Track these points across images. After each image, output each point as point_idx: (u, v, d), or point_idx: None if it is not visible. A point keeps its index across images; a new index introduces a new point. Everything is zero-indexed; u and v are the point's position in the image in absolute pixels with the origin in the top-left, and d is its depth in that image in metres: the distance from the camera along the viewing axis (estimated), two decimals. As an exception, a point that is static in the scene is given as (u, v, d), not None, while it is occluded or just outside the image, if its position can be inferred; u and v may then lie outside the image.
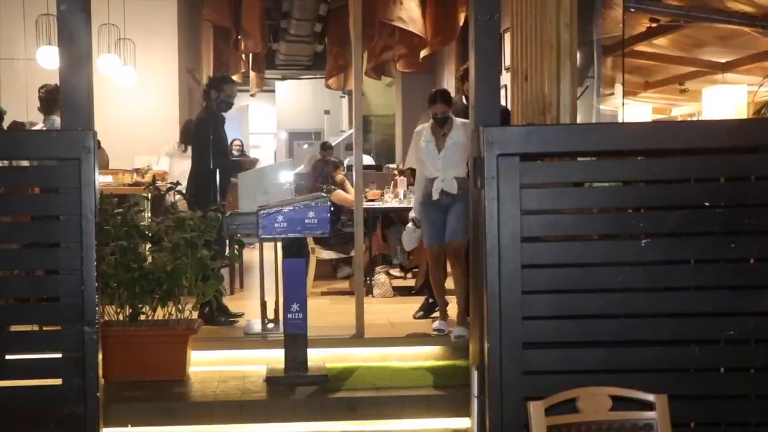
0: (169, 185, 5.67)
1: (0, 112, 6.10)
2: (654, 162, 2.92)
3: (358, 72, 5.86)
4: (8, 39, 9.44)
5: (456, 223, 5.48)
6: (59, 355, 2.80)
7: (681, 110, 9.88)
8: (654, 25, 7.13)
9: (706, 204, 2.81)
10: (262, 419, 4.41)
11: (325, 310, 6.56)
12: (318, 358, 5.02)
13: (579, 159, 3.10)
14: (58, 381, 2.79)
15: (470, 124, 3.13)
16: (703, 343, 2.83)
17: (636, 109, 9.28)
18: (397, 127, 14.34)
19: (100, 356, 2.76)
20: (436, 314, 5.97)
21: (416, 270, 7.61)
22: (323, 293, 7.51)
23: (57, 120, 5.83)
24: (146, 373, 4.72)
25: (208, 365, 5.08)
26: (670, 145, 2.87)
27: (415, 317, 6.28)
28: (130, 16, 9.24)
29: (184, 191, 5.93)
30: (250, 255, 7.86)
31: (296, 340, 4.75)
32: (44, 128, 6.22)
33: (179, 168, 7.80)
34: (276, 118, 20.59)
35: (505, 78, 5.75)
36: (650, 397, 2.56)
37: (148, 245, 5.15)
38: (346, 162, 10.27)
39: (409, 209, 7.70)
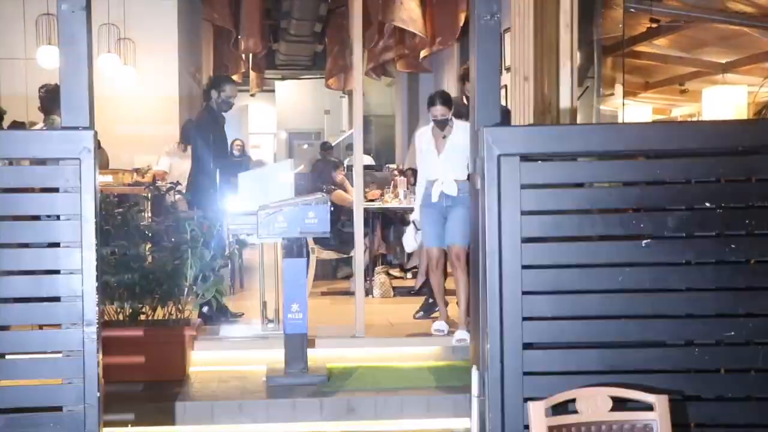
0: (169, 185, 5.67)
1: (0, 112, 6.09)
2: (654, 163, 2.91)
3: (358, 72, 5.87)
4: (8, 39, 9.44)
5: (456, 227, 5.46)
6: (60, 355, 2.80)
7: (681, 111, 9.89)
8: (654, 25, 7.13)
9: (707, 205, 2.81)
10: (262, 419, 4.41)
11: (325, 310, 6.56)
12: (318, 358, 5.02)
13: (579, 159, 3.10)
14: (58, 381, 2.79)
15: (470, 127, 3.13)
16: (703, 344, 2.83)
17: (636, 110, 9.29)
18: (397, 127, 14.34)
19: (101, 356, 2.76)
20: (436, 314, 5.97)
21: (416, 270, 7.61)
22: (323, 293, 7.51)
23: (57, 120, 5.82)
24: (146, 373, 4.72)
25: (208, 365, 5.08)
26: (671, 146, 2.87)
27: (415, 317, 6.28)
28: (131, 16, 9.25)
29: (184, 191, 5.93)
30: (251, 255, 7.85)
31: (296, 340, 4.75)
32: (44, 128, 6.21)
33: (179, 168, 7.80)
34: (276, 118, 20.59)
35: (506, 78, 5.75)
36: (650, 398, 2.56)
37: (149, 245, 5.15)
38: (346, 162, 10.27)
39: (409, 209, 7.71)
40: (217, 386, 4.70)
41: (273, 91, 20.13)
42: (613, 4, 6.22)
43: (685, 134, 2.93)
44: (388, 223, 8.30)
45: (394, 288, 7.43)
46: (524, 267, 2.76)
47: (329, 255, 7.58)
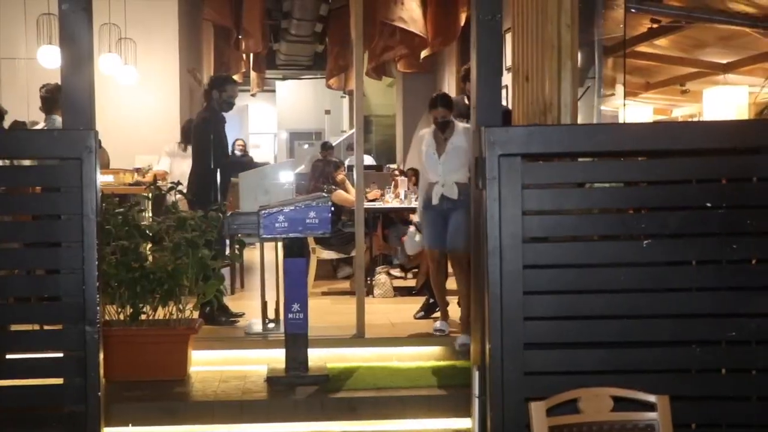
0: (170, 185, 5.67)
1: (1, 112, 6.10)
2: (655, 163, 2.91)
3: (359, 72, 5.87)
4: (9, 38, 9.45)
5: (457, 231, 5.45)
6: (60, 355, 2.80)
7: (682, 111, 9.88)
8: (655, 25, 7.13)
9: (708, 205, 2.81)
10: (262, 419, 4.41)
11: (326, 310, 6.56)
12: (319, 358, 5.03)
13: (580, 159, 3.10)
14: (60, 380, 2.79)
15: (472, 129, 3.13)
16: (705, 344, 2.82)
17: (637, 110, 9.29)
18: (398, 127, 14.35)
19: (102, 356, 2.76)
20: (437, 314, 5.97)
21: (417, 270, 7.61)
22: (324, 293, 7.51)
23: (58, 119, 5.83)
24: (147, 372, 4.72)
25: (208, 365, 5.08)
26: (672, 146, 2.87)
27: (415, 317, 6.28)
28: (131, 15, 9.24)
29: (185, 191, 5.93)
30: (251, 255, 7.86)
31: (297, 340, 4.75)
32: (45, 128, 6.21)
33: (180, 168, 7.80)
34: (276, 118, 20.61)
35: (507, 78, 5.75)
36: (652, 398, 2.55)
37: (149, 245, 5.15)
38: (346, 162, 10.28)
39: (409, 209, 7.72)
40: (218, 386, 4.70)
41: (273, 91, 20.15)
42: (615, 5, 6.21)
43: (686, 134, 2.93)
44: (389, 223, 8.30)
45: (394, 288, 7.44)
46: (525, 267, 2.76)
47: (330, 255, 7.58)
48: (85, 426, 2.73)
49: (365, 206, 6.19)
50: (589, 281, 2.82)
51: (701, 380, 2.85)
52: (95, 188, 2.75)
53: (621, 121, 6.32)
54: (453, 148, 5.52)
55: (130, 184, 7.76)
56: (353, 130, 6.25)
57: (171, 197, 6.22)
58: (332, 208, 4.97)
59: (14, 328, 3.26)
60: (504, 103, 5.68)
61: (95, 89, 2.86)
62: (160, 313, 4.99)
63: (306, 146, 19.19)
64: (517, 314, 2.75)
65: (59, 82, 2.86)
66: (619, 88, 6.37)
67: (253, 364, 5.10)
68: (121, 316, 4.87)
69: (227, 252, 6.00)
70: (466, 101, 5.88)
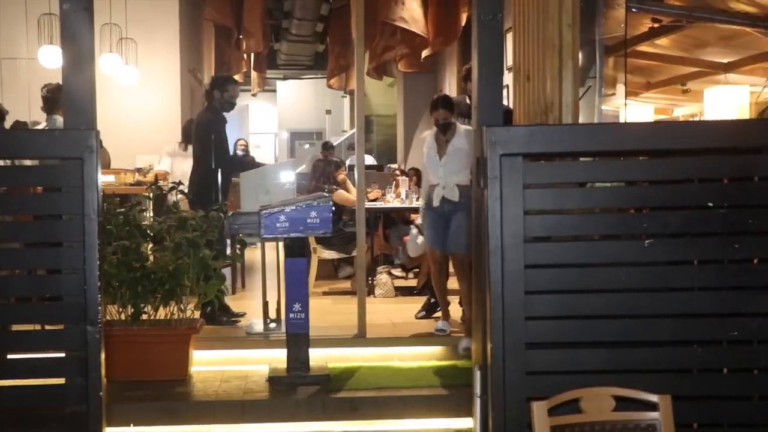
0: (171, 185, 5.67)
1: (2, 112, 6.10)
2: (657, 162, 2.91)
3: (359, 72, 5.86)
4: (10, 38, 9.45)
5: (458, 233, 5.44)
6: (62, 355, 2.80)
7: (683, 111, 9.88)
8: (656, 25, 7.12)
9: (710, 204, 2.81)
10: (264, 419, 4.41)
11: (327, 310, 6.56)
12: (320, 357, 5.02)
13: (581, 159, 3.10)
14: (61, 380, 2.79)
15: (473, 129, 3.13)
16: (706, 343, 2.82)
17: (638, 110, 9.28)
18: (399, 127, 14.34)
19: (103, 356, 2.76)
20: (439, 314, 5.97)
21: (418, 270, 7.61)
22: (325, 293, 7.51)
23: (59, 119, 5.83)
24: (148, 372, 4.72)
25: (210, 365, 5.08)
26: (673, 146, 2.87)
27: (416, 317, 6.28)
28: (132, 15, 9.24)
29: (186, 191, 5.93)
30: (252, 255, 7.86)
31: (298, 340, 4.75)
32: (47, 128, 6.22)
33: (181, 168, 7.80)
34: (277, 118, 20.61)
35: (508, 78, 5.75)
36: (653, 398, 2.55)
37: (151, 245, 5.15)
38: (347, 162, 10.28)
39: (410, 209, 7.72)
40: (219, 386, 4.70)
41: (274, 90, 20.15)
42: (615, 4, 6.21)
43: (687, 134, 2.93)
44: (390, 222, 8.30)
45: (395, 288, 7.44)
46: (527, 266, 2.76)
47: (331, 255, 7.58)
48: (86, 426, 2.73)
49: (366, 206, 6.19)
50: (591, 281, 2.82)
51: (703, 380, 2.85)
52: (96, 188, 2.75)
53: (622, 120, 6.32)
54: (454, 150, 5.51)
55: (131, 184, 7.76)
56: (354, 130, 6.26)
57: (172, 197, 6.23)
58: (333, 208, 4.97)
59: (16, 328, 3.26)
60: (505, 102, 5.68)
61: (96, 89, 2.86)
62: (162, 313, 4.99)
63: (307, 146, 19.18)
64: (519, 314, 2.75)
65: (60, 82, 2.86)
66: (620, 88, 6.36)
67: (255, 363, 5.10)
68: (123, 316, 4.88)
69: (228, 252, 6.00)
70: (468, 101, 5.87)
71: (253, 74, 15.40)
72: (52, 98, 6.06)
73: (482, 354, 2.86)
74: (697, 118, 8.86)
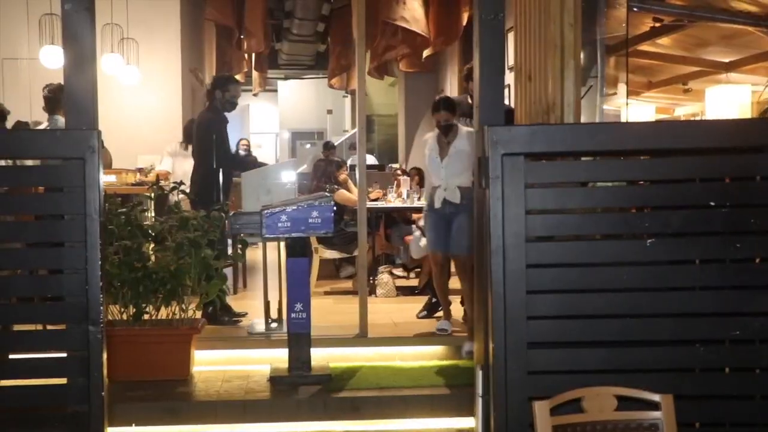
0: (172, 185, 5.67)
1: (3, 112, 6.10)
2: (658, 162, 2.91)
3: (361, 71, 5.86)
4: (12, 38, 9.46)
5: (460, 236, 5.44)
6: (64, 355, 2.80)
7: (684, 110, 9.87)
8: (657, 24, 7.12)
9: (711, 204, 2.80)
10: (265, 419, 4.41)
11: (329, 310, 6.56)
12: (321, 357, 5.03)
13: (583, 159, 3.10)
14: (63, 380, 2.79)
15: (475, 130, 3.13)
16: (708, 343, 2.82)
17: (639, 109, 9.27)
18: (400, 126, 14.35)
19: (105, 355, 2.76)
20: (440, 314, 5.97)
21: (419, 270, 7.61)
22: (326, 293, 7.51)
23: (61, 119, 5.83)
24: (150, 372, 4.73)
25: (211, 365, 5.08)
26: (675, 145, 2.87)
27: (418, 317, 6.28)
28: (133, 15, 9.24)
29: (187, 191, 5.93)
30: (254, 254, 7.86)
31: (300, 340, 4.75)
32: (48, 128, 6.22)
33: (182, 168, 7.81)
34: (278, 118, 20.61)
35: (509, 78, 5.75)
36: (655, 397, 2.55)
37: (152, 245, 5.15)
38: (349, 162, 10.28)
39: (411, 209, 7.72)
40: (221, 386, 4.70)
41: (275, 90, 20.16)
42: (617, 4, 6.20)
43: (689, 133, 2.93)
44: (391, 222, 8.30)
45: (397, 288, 7.43)
46: (529, 266, 2.76)
47: (332, 254, 7.58)
48: (88, 426, 2.73)
49: (368, 206, 6.19)
50: (593, 280, 2.82)
51: (705, 379, 2.85)
52: (98, 188, 2.75)
53: (623, 120, 6.32)
54: (456, 152, 5.50)
55: (132, 184, 7.77)
56: (355, 130, 6.26)
57: (173, 197, 6.23)
58: (335, 208, 4.97)
59: (17, 328, 3.27)
60: (507, 102, 5.67)
61: (98, 89, 2.86)
62: (163, 313, 4.99)
63: (308, 146, 19.18)
64: (521, 313, 2.74)
65: (62, 82, 2.86)
66: (622, 87, 6.36)
67: (256, 363, 5.10)
68: (124, 316, 4.88)
69: (230, 252, 6.00)
70: (469, 100, 5.87)
71: (255, 74, 15.41)
72: (54, 98, 6.06)
73: (484, 354, 2.86)
74: (698, 118, 8.86)
